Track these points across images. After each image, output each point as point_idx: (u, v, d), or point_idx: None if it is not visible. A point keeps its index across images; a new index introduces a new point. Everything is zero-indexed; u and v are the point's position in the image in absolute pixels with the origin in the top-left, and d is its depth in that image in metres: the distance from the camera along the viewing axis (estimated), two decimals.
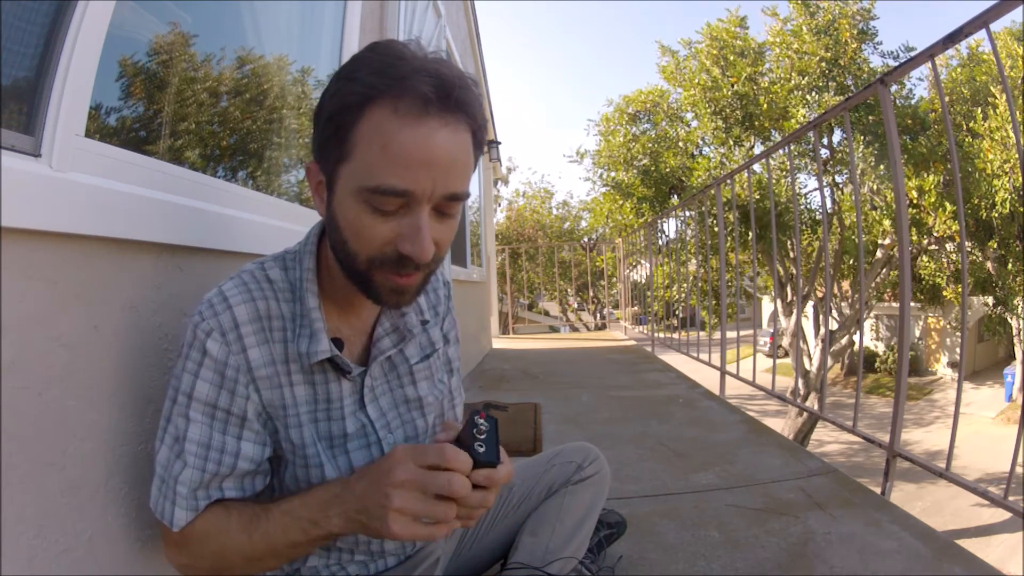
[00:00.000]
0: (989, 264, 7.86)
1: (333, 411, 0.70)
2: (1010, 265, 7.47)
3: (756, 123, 7.99)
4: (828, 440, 10.63)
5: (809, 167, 7.98)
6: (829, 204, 7.74)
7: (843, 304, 9.14)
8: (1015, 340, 10.88)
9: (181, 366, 0.64)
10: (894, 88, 6.83)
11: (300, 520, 0.61)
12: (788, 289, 8.65)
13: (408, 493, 0.56)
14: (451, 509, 0.56)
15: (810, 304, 8.71)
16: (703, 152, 8.77)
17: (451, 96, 0.58)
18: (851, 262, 7.85)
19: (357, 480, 0.61)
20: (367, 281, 0.63)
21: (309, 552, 0.68)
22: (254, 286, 0.67)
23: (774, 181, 6.84)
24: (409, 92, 0.57)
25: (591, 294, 14.72)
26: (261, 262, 0.71)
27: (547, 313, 14.13)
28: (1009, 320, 8.91)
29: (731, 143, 8.07)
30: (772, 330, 14.36)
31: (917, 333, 16.03)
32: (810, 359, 8.52)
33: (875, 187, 6.63)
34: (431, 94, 0.57)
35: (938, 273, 8.42)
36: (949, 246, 7.69)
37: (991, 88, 6.93)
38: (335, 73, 0.63)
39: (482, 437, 0.61)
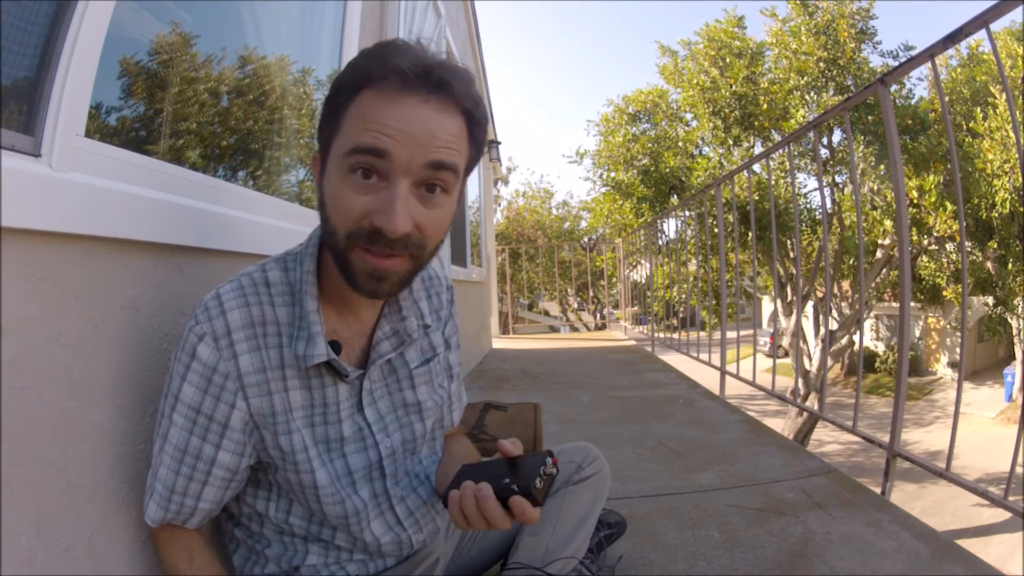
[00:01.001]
0: (989, 264, 7.86)
1: (330, 414, 0.70)
2: (1010, 265, 7.48)
3: (755, 123, 7.99)
4: (828, 440, 10.63)
5: (809, 167, 7.99)
6: (829, 204, 7.75)
7: (843, 304, 9.14)
8: (1015, 340, 10.88)
9: (172, 367, 0.65)
10: (894, 88, 6.83)
11: None
12: (788, 289, 8.65)
13: None
14: None
15: (810, 304, 8.72)
16: (703, 152, 8.78)
17: (431, 75, 0.59)
18: (851, 262, 7.86)
19: None
20: (345, 262, 0.63)
21: None
22: (250, 290, 0.67)
23: (774, 181, 6.84)
24: (395, 71, 0.59)
25: (591, 294, 14.72)
26: (262, 264, 0.71)
27: (547, 313, 14.14)
28: (1009, 320, 8.92)
29: (730, 143, 8.07)
30: (772, 330, 14.36)
31: (917, 333, 16.03)
32: (810, 359, 8.52)
33: (875, 187, 6.63)
34: (411, 71, 0.59)
35: (938, 273, 8.43)
36: (949, 246, 7.70)
37: (991, 88, 6.93)
38: None
39: (544, 476, 0.62)
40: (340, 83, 0.62)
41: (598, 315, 13.22)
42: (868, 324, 15.71)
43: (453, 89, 0.61)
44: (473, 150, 0.65)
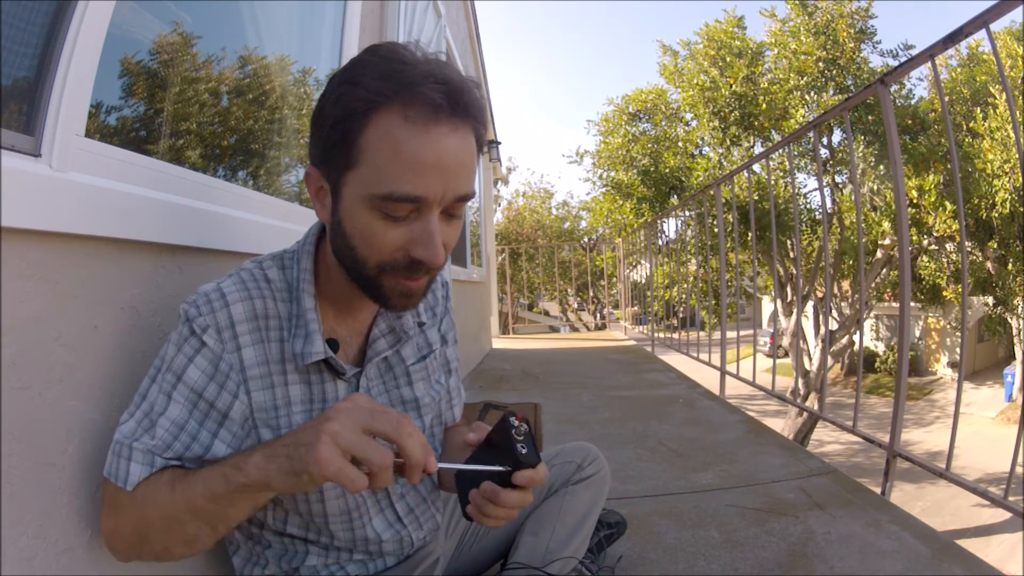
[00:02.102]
0: (989, 264, 7.86)
1: None
2: (1010, 265, 7.47)
3: (755, 123, 8.00)
4: (828, 440, 10.63)
5: (809, 167, 7.99)
6: (829, 204, 7.75)
7: (843, 304, 9.14)
8: (1015, 340, 10.88)
9: (174, 349, 0.62)
10: (894, 88, 6.83)
11: (223, 466, 0.57)
12: (788, 289, 8.65)
13: (348, 421, 0.50)
14: (388, 457, 0.51)
15: (810, 304, 8.71)
16: (702, 152, 8.78)
17: (460, 102, 0.58)
18: (851, 262, 7.86)
19: (298, 427, 0.56)
20: (376, 286, 0.63)
21: (233, 513, 0.59)
22: (252, 285, 0.67)
23: (774, 181, 6.84)
24: (419, 99, 0.56)
25: (591, 294, 14.72)
26: (259, 261, 0.71)
27: (547, 313, 14.14)
28: (1009, 320, 8.92)
29: (728, 143, 8.08)
30: (772, 330, 14.36)
31: (917, 333, 16.03)
32: (810, 359, 8.52)
33: (875, 187, 6.63)
34: (442, 101, 0.57)
35: (938, 273, 8.42)
36: (949, 246, 7.70)
37: (991, 88, 6.93)
38: (335, 77, 0.62)
39: (521, 439, 0.60)
40: (348, 106, 0.58)
41: (598, 315, 13.21)
42: (868, 324, 15.71)
43: (474, 112, 0.60)
44: (479, 153, 0.65)
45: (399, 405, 0.76)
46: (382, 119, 0.57)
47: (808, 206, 8.39)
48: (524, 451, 0.59)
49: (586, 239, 11.09)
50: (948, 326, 14.81)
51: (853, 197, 6.93)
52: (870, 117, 6.79)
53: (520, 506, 0.60)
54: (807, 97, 7.31)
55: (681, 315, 5.09)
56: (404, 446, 0.51)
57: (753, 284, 4.17)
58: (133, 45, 0.84)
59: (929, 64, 1.54)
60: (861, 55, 7.52)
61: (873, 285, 8.30)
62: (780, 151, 5.43)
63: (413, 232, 0.60)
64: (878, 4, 7.42)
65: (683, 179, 8.58)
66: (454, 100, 0.58)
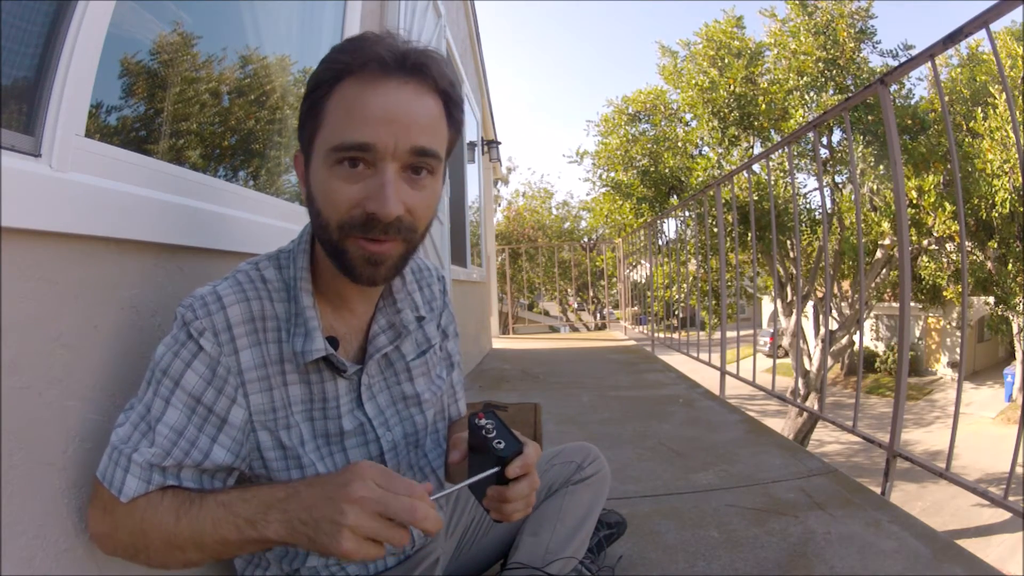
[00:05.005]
0: (989, 264, 7.86)
1: (329, 410, 0.70)
2: (1010, 265, 7.48)
3: (755, 124, 8.00)
4: (828, 440, 10.63)
5: (809, 167, 7.99)
6: (829, 204, 7.75)
7: (843, 304, 9.13)
8: (1015, 340, 10.88)
9: (171, 354, 0.62)
10: (894, 88, 6.83)
11: (236, 517, 0.57)
12: (788, 289, 8.65)
13: (364, 512, 0.52)
14: (405, 535, 0.53)
15: (810, 304, 8.71)
16: (702, 152, 8.78)
17: (407, 60, 0.61)
18: (851, 262, 7.85)
19: (307, 488, 0.56)
20: (341, 252, 0.63)
21: (241, 553, 0.61)
22: (248, 286, 0.67)
23: (773, 181, 6.84)
24: (371, 59, 0.60)
25: (591, 294, 14.72)
26: (255, 261, 0.71)
27: (547, 313, 14.15)
28: (1011, 319, 8.92)
29: (728, 143, 8.08)
30: (772, 330, 14.36)
31: (917, 333, 16.03)
32: (810, 359, 8.52)
33: (875, 187, 6.63)
34: (388, 58, 0.60)
35: (938, 273, 8.42)
36: (949, 246, 7.70)
37: (991, 88, 6.93)
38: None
39: (493, 435, 0.61)
40: (317, 79, 0.63)
41: (598, 315, 13.21)
42: (868, 324, 15.70)
43: (430, 71, 0.62)
44: (452, 132, 0.67)
45: (400, 401, 0.76)
46: (343, 86, 0.61)
47: (808, 206, 8.39)
48: (501, 445, 0.60)
49: (586, 239, 11.08)
50: (948, 326, 14.81)
51: (853, 197, 6.93)
52: (870, 117, 6.79)
53: (530, 490, 0.62)
54: (807, 97, 7.31)
55: (681, 315, 5.09)
56: (422, 529, 0.53)
57: (753, 284, 4.17)
58: (133, 45, 0.84)
59: (929, 64, 1.54)
60: (861, 55, 7.52)
61: (873, 285, 8.30)
62: (780, 151, 5.43)
63: (368, 187, 0.61)
64: (878, 4, 7.43)
65: (683, 179, 8.58)
66: (403, 58, 0.61)
